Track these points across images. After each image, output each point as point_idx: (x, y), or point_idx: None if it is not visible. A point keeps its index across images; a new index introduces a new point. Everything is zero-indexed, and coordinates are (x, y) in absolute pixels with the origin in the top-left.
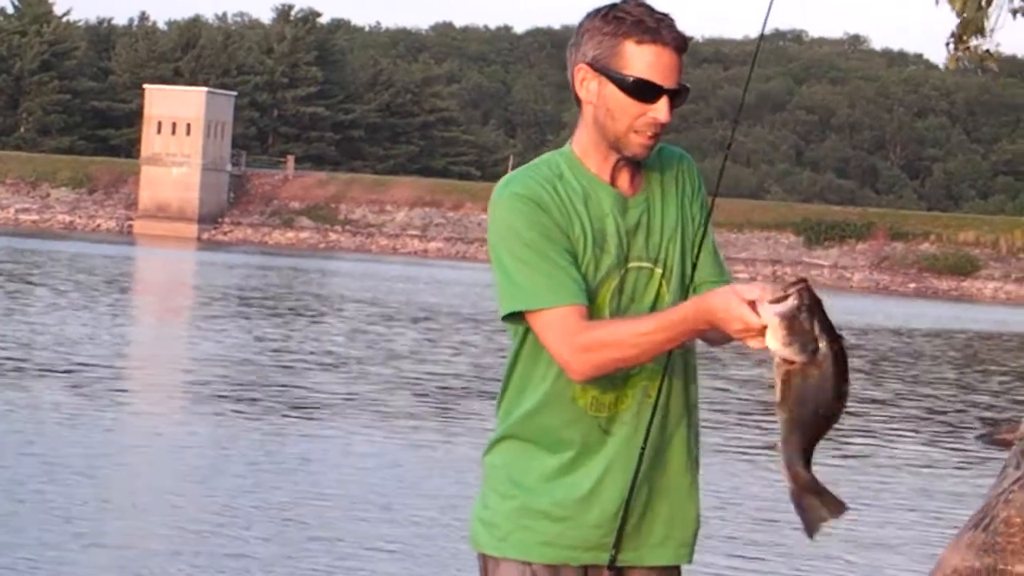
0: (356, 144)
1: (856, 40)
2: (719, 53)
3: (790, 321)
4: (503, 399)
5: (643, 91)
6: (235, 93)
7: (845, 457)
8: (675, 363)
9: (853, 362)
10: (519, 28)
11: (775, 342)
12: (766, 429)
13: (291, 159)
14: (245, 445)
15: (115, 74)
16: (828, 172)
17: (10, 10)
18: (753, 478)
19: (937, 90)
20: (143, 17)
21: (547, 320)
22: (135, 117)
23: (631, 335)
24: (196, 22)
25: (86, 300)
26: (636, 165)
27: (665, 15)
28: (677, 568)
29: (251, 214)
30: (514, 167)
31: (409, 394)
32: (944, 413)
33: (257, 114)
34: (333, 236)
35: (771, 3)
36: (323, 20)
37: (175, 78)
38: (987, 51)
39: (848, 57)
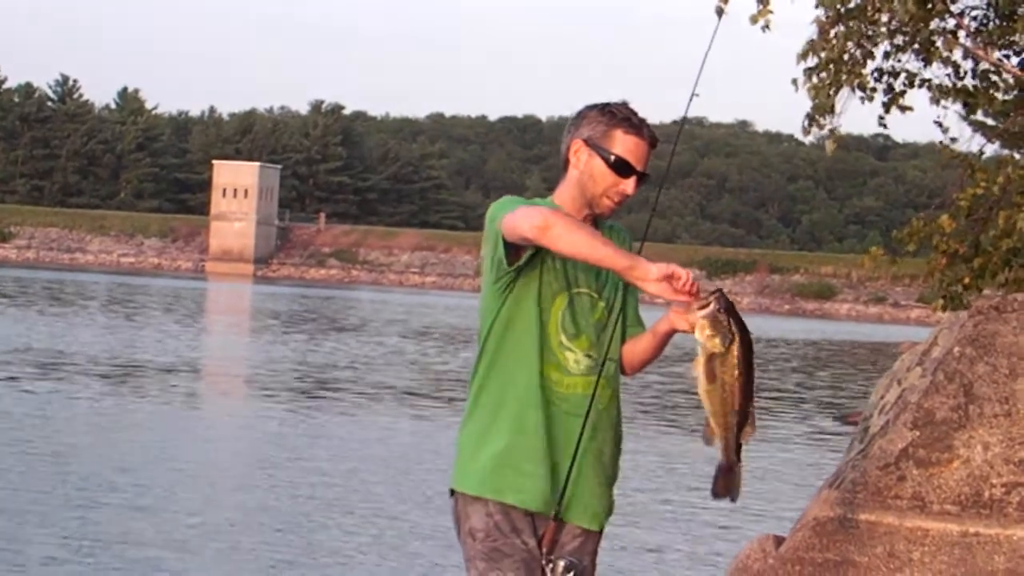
0: (371, 204)
1: (744, 124)
2: None
3: (712, 320)
4: (476, 374)
5: (621, 167)
6: (280, 167)
7: None
8: (612, 383)
9: None
10: (492, 116)
11: (701, 335)
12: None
13: (323, 215)
14: (322, 432)
15: (191, 152)
16: (723, 223)
17: (113, 106)
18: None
19: (804, 160)
20: (212, 110)
21: (523, 209)
22: (206, 185)
23: (583, 227)
24: (252, 114)
25: (177, 318)
26: (595, 224)
27: (644, 119)
28: (598, 533)
29: (293, 257)
30: None
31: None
32: (810, 401)
33: (297, 182)
34: (354, 273)
35: (690, 99)
36: (346, 111)
37: (236, 155)
38: (831, 130)
39: (738, 136)
